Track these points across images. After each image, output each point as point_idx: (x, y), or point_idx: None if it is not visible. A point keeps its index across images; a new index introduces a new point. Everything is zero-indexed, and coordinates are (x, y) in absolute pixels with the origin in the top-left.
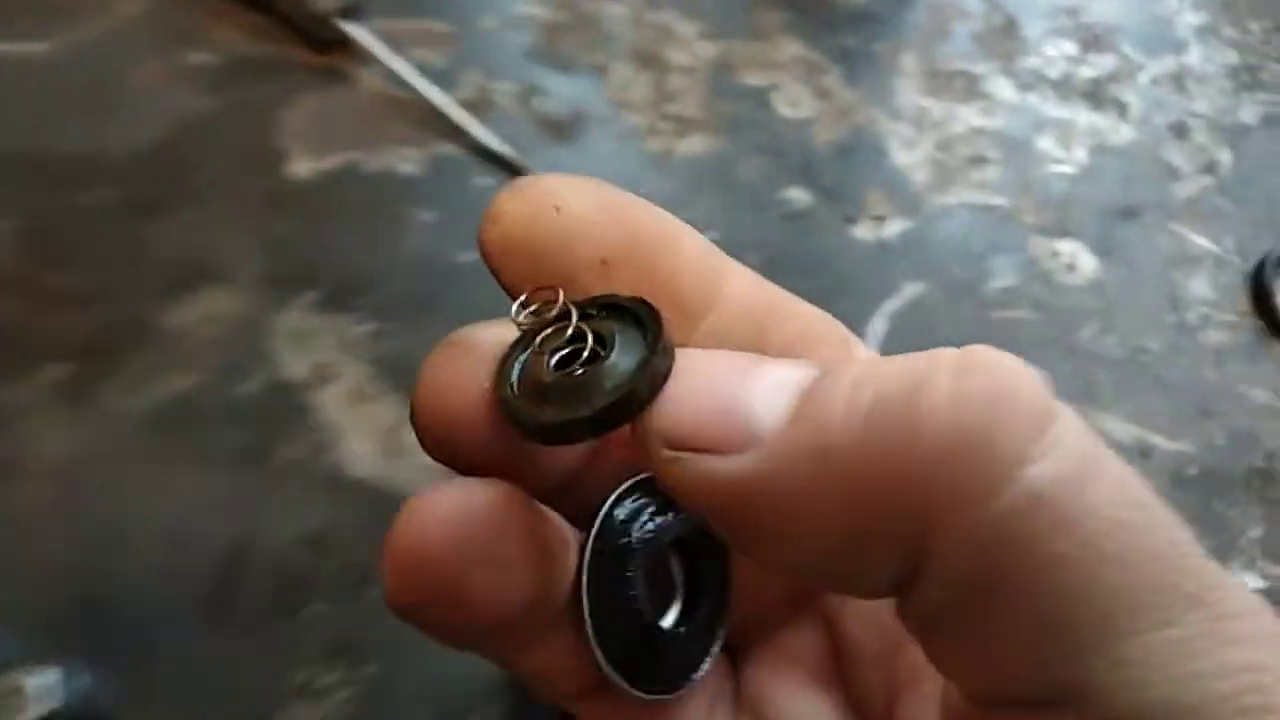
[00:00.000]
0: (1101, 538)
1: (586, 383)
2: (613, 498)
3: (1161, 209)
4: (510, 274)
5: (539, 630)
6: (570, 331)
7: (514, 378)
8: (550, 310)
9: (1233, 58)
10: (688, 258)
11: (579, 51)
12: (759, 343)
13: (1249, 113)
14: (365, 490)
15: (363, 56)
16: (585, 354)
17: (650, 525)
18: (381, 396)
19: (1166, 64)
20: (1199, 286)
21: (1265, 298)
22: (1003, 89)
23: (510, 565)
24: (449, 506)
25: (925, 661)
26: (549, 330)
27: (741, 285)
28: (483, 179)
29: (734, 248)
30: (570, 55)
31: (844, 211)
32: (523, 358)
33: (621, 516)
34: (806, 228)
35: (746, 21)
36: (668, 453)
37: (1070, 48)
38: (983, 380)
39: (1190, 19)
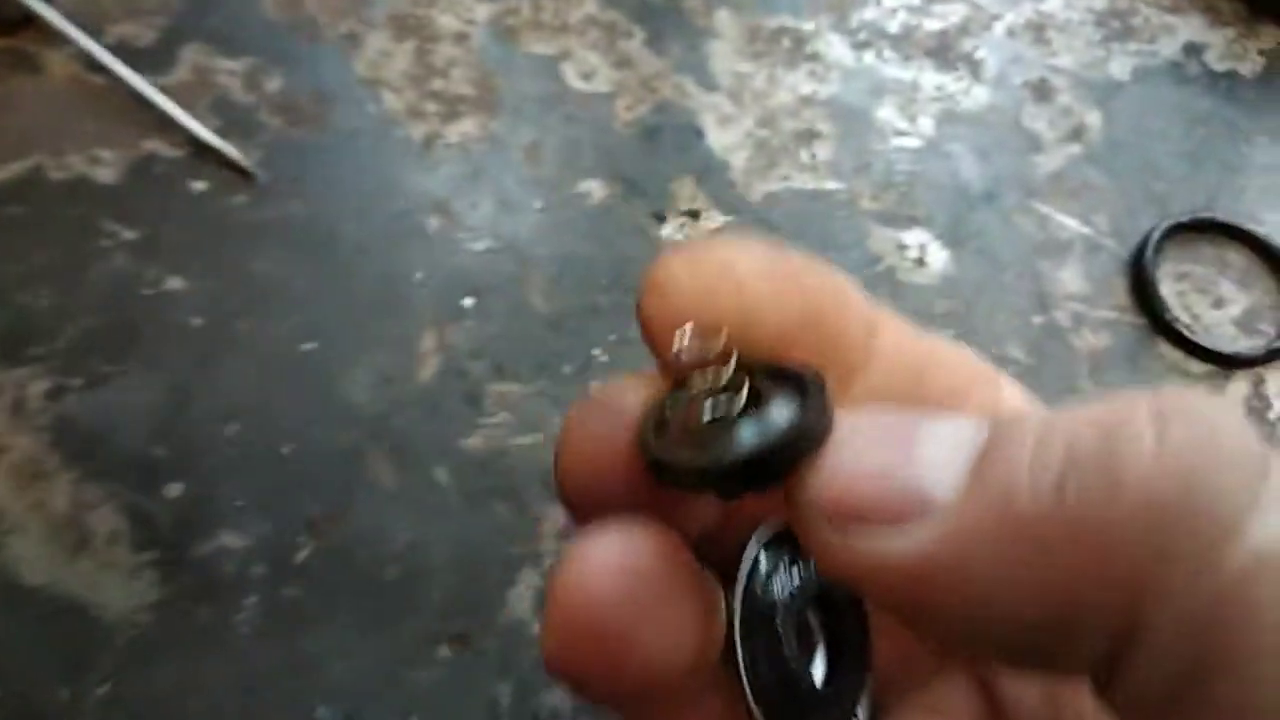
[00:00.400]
0: None
1: (735, 432)
2: (757, 548)
3: (1022, 186)
4: (676, 352)
5: (695, 691)
6: (727, 380)
7: (657, 420)
8: (708, 354)
9: (1099, 2)
10: (852, 316)
11: (325, 18)
12: (918, 395)
13: (1119, 66)
14: (41, 603)
15: (52, 37)
16: (739, 404)
17: (794, 578)
18: (57, 474)
19: (1024, 11)
20: (1070, 278)
21: (1147, 287)
22: (834, 48)
23: (680, 618)
24: (615, 552)
25: None
26: (705, 376)
27: (894, 336)
28: (197, 183)
29: (516, 255)
30: (313, 23)
31: (650, 206)
32: (671, 401)
33: (765, 568)
34: (605, 228)
35: None
36: (830, 528)
37: None
38: (1187, 428)
39: None
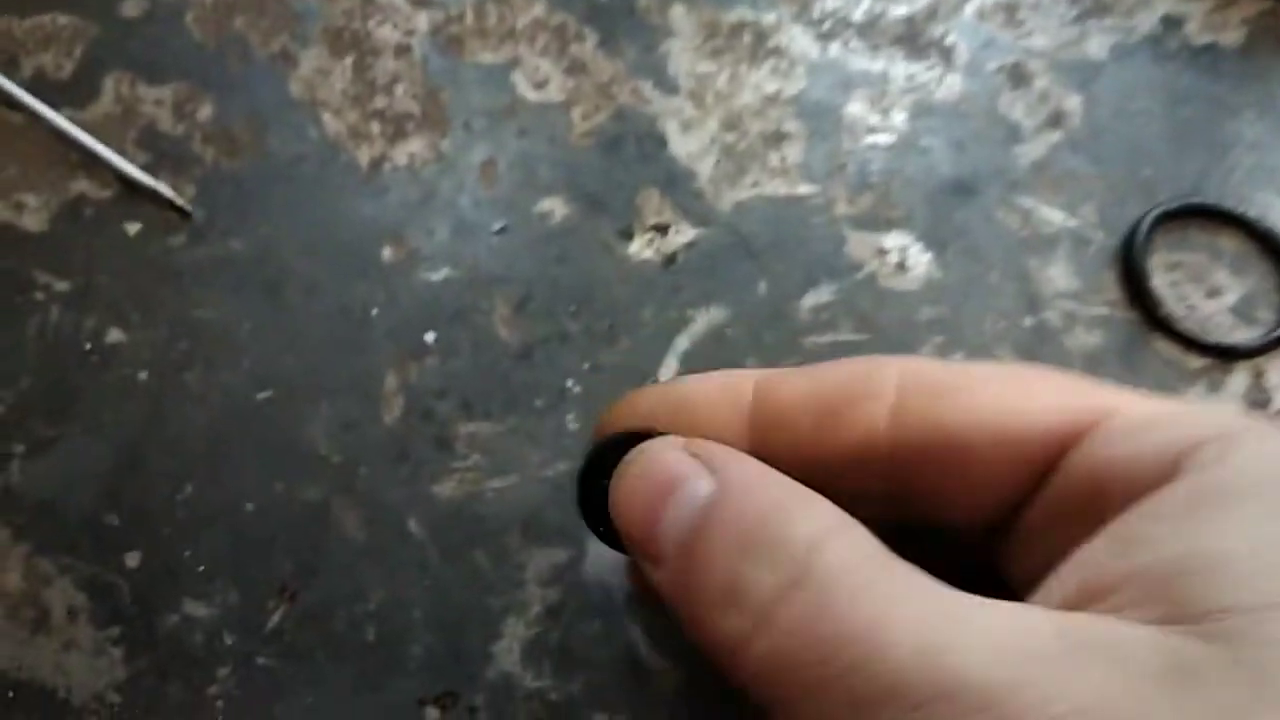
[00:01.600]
0: None
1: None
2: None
3: (1003, 179)
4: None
5: None
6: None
7: None
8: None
9: None
10: (705, 417)
11: (255, 36)
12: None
13: (1097, 45)
14: (1, 687)
15: None
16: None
17: None
18: (8, 549)
19: None
20: (1058, 274)
21: (1138, 280)
22: (798, 41)
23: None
24: None
25: None
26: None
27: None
28: (131, 224)
29: (477, 283)
30: (244, 42)
31: (616, 222)
32: None
33: None
34: (570, 248)
35: None
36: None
37: None
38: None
39: None
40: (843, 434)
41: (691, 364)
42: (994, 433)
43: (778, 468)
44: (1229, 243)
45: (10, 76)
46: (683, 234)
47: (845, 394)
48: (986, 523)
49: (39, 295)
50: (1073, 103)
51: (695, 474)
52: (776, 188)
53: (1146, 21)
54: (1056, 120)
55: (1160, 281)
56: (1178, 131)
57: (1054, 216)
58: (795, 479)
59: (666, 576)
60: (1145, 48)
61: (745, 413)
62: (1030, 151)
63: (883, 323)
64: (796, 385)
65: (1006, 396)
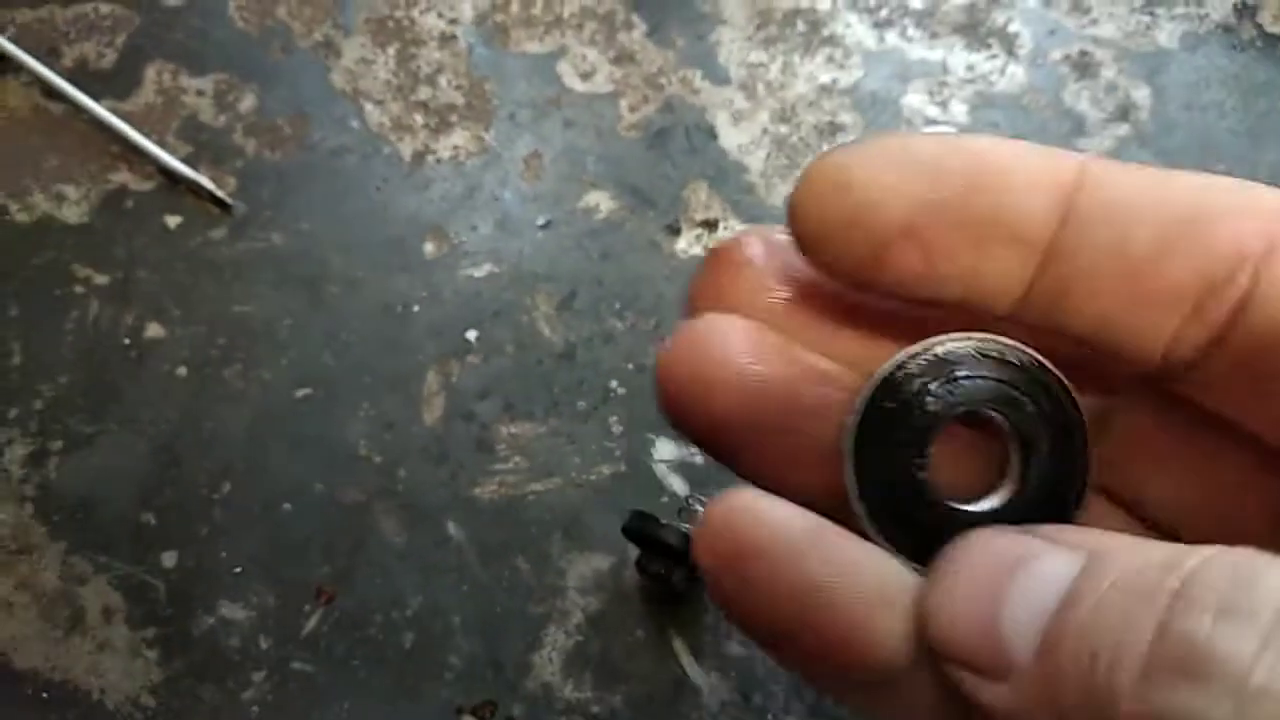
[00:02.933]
0: None
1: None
2: (906, 356)
3: None
4: (819, 268)
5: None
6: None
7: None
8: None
9: None
10: (1018, 183)
11: (298, 26)
12: (1120, 265)
13: (1166, 33)
14: (36, 688)
15: (3, 63)
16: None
17: (954, 391)
18: (44, 546)
19: None
20: None
21: None
22: (854, 29)
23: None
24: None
25: None
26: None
27: (1101, 183)
28: (171, 217)
29: (519, 280)
30: (286, 32)
31: (662, 218)
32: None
33: (918, 376)
34: (615, 244)
35: None
36: (952, 668)
37: None
38: (1173, 646)
39: None
40: (1189, 265)
41: None
42: None
43: (1080, 285)
44: None
45: (51, 66)
46: (732, 230)
47: (1210, 212)
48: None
49: (79, 289)
50: (1141, 94)
51: (1044, 550)
52: None
53: (1219, 9)
54: (1124, 113)
55: None
56: (1252, 125)
57: None
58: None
59: (1024, 685)
60: (1217, 36)
61: (1062, 199)
62: (1096, 145)
63: None
64: (1139, 183)
65: None
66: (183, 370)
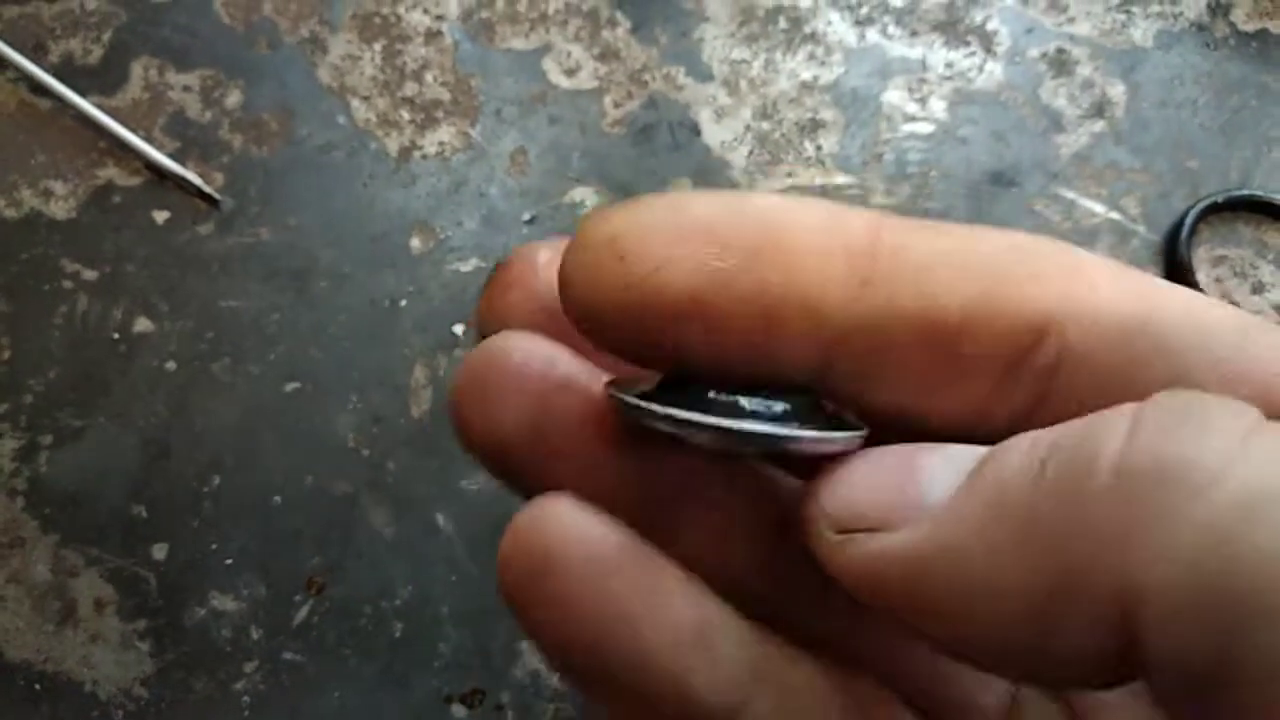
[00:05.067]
0: None
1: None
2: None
3: (1044, 170)
4: (597, 342)
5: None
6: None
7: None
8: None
9: None
10: (806, 248)
11: (284, 21)
12: (928, 329)
13: (1141, 31)
14: (29, 679)
15: None
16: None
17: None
18: (35, 540)
19: None
20: None
21: (1182, 275)
22: (835, 27)
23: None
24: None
25: None
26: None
27: (890, 241)
28: (159, 212)
29: None
30: (271, 28)
31: None
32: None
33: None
34: None
35: None
36: (835, 537)
37: None
38: (1163, 408)
39: None
40: (998, 332)
41: None
42: None
43: (885, 357)
44: (1276, 237)
45: (37, 62)
46: None
47: (1017, 276)
48: None
49: (67, 284)
50: (1116, 91)
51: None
52: (812, 177)
53: (1193, 8)
54: (1099, 109)
55: (1204, 277)
56: (1224, 122)
57: (1096, 209)
58: (907, 371)
59: (934, 515)
60: (1191, 35)
61: (855, 264)
62: (1072, 142)
63: None
64: (940, 248)
65: None
66: (171, 364)
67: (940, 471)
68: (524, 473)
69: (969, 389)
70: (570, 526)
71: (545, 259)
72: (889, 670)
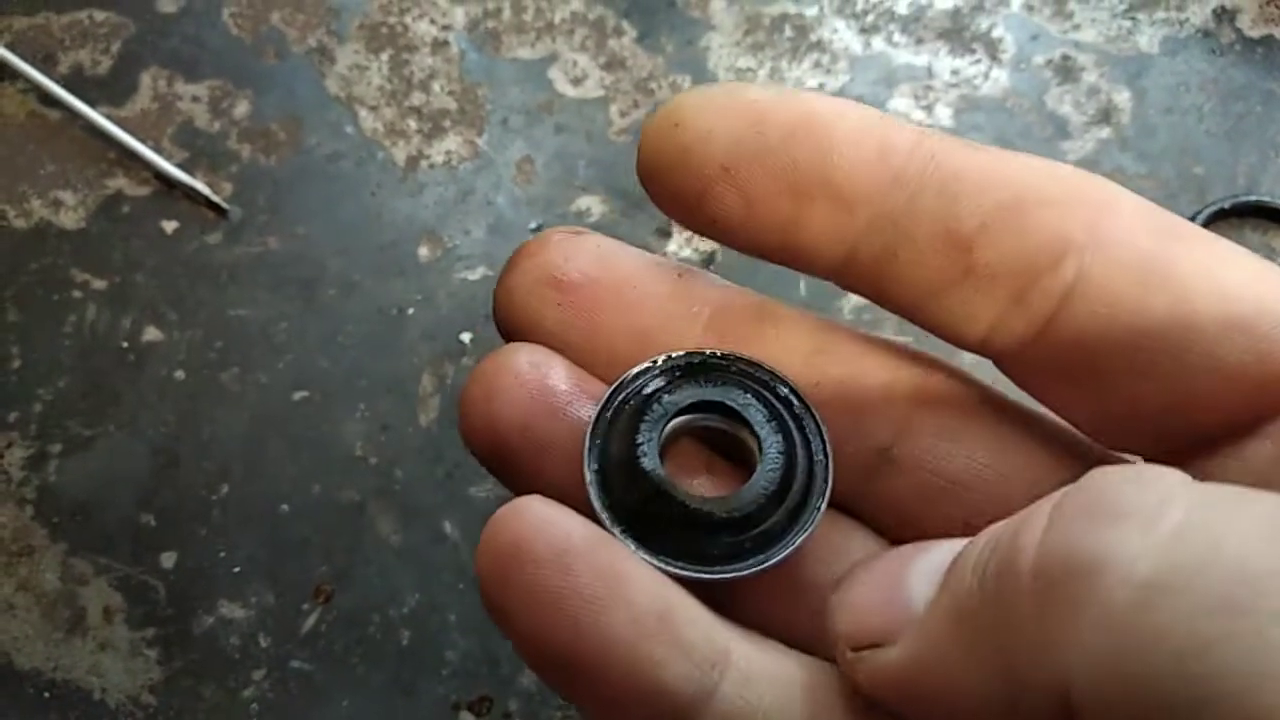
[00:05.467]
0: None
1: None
2: (644, 365)
3: None
4: (655, 200)
5: None
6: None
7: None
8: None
9: None
10: (841, 137)
11: (292, 32)
12: (947, 231)
13: (1147, 38)
14: (38, 687)
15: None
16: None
17: (683, 395)
18: (45, 548)
19: None
20: None
21: None
22: (841, 35)
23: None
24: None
25: None
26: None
27: (929, 149)
28: (168, 222)
29: None
30: (279, 38)
31: (654, 221)
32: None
33: (654, 382)
34: None
35: None
36: (851, 655)
37: None
38: (1080, 499)
39: None
40: (1012, 245)
41: None
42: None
43: (903, 253)
44: None
45: (47, 73)
46: None
47: (1039, 197)
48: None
49: (76, 293)
50: (1122, 98)
51: (936, 543)
52: None
53: (1199, 14)
54: (1105, 116)
55: None
56: (1230, 128)
57: None
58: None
59: (918, 628)
60: (1197, 41)
61: (888, 161)
62: (1078, 148)
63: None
64: (975, 161)
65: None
66: (180, 373)
67: (919, 581)
68: (516, 466)
69: (979, 302)
70: (539, 520)
71: (559, 237)
72: None
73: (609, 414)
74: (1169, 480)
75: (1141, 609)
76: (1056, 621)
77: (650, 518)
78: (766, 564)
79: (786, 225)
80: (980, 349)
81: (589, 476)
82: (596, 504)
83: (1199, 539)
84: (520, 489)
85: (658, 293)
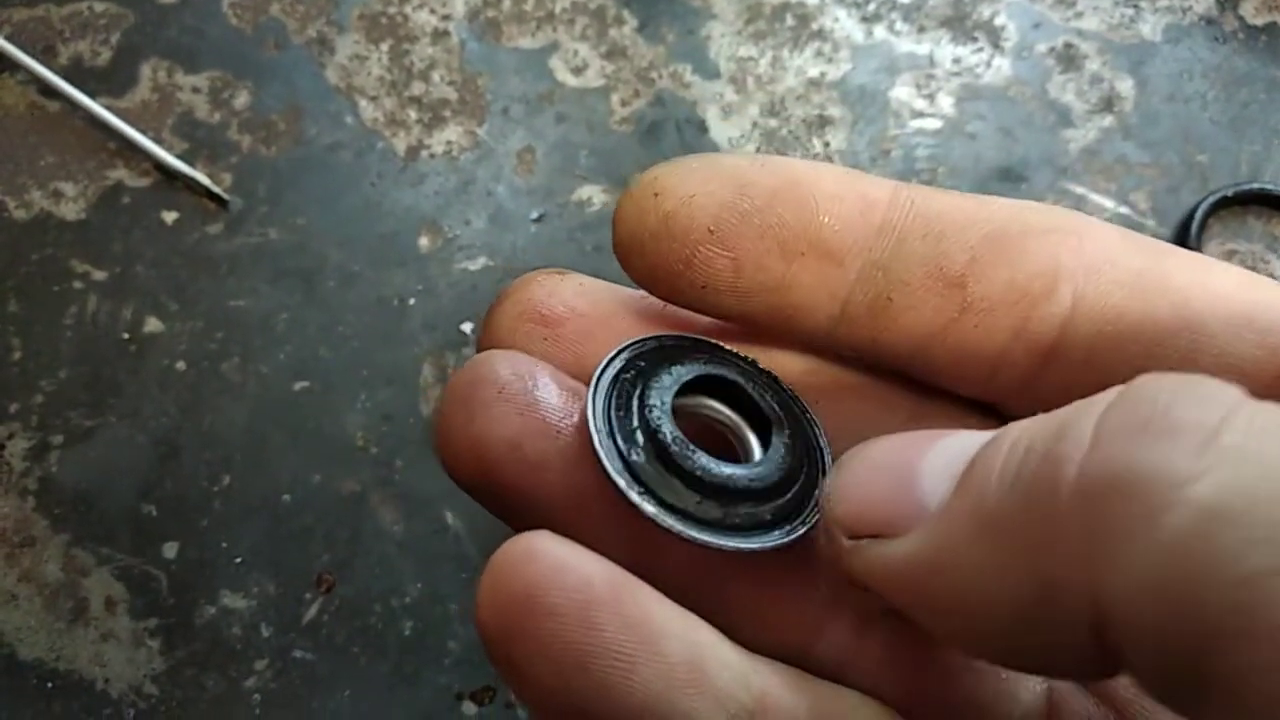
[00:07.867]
0: None
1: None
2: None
3: (1053, 165)
4: (636, 275)
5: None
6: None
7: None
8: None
9: None
10: (823, 194)
11: (291, 22)
12: (939, 270)
13: (1150, 25)
14: (41, 677)
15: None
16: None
17: (674, 374)
18: (47, 539)
19: None
20: None
21: None
22: (842, 23)
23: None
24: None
25: None
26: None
27: (908, 198)
28: (168, 213)
29: (514, 273)
30: (279, 29)
31: None
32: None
33: (651, 358)
34: (606, 238)
35: None
36: (847, 543)
37: None
38: (1130, 410)
39: None
40: (1005, 277)
41: None
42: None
43: (898, 299)
44: None
45: (47, 64)
46: None
47: (1025, 229)
48: None
49: (77, 284)
50: (1125, 86)
51: (951, 431)
52: None
53: (1202, 1)
54: (1108, 104)
55: None
56: (1234, 116)
57: (1105, 204)
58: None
59: (934, 522)
60: (1200, 29)
61: (870, 212)
62: (1081, 137)
63: None
64: (954, 203)
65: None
66: (181, 364)
67: (934, 474)
68: (508, 491)
69: (980, 338)
70: (553, 561)
71: (542, 277)
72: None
73: (613, 377)
74: (1227, 395)
75: (1198, 536)
76: (1103, 540)
77: (666, 484)
78: (792, 536)
79: (777, 285)
80: (984, 392)
81: (598, 439)
82: (610, 468)
83: (1261, 462)
84: (512, 518)
85: (643, 325)
